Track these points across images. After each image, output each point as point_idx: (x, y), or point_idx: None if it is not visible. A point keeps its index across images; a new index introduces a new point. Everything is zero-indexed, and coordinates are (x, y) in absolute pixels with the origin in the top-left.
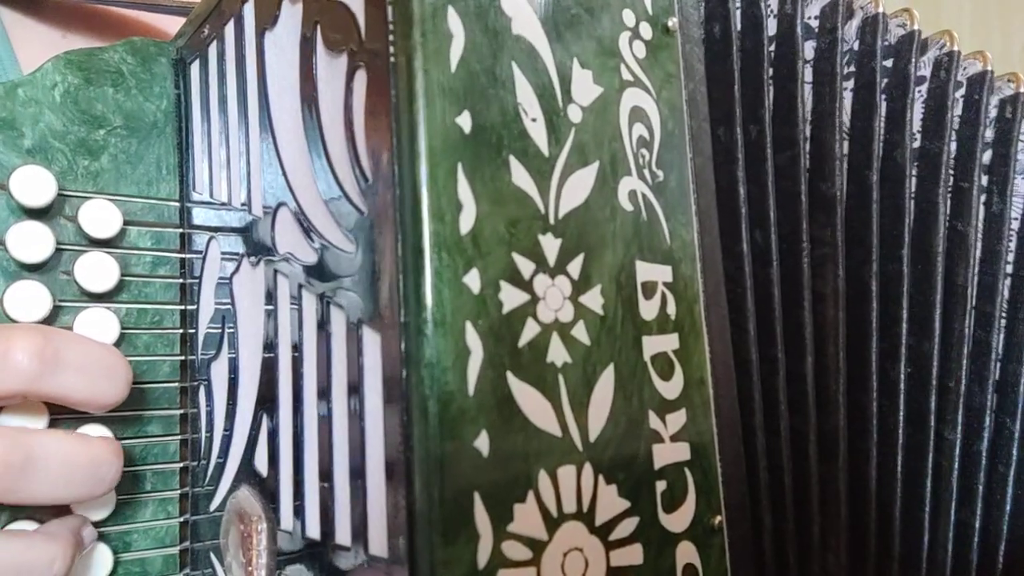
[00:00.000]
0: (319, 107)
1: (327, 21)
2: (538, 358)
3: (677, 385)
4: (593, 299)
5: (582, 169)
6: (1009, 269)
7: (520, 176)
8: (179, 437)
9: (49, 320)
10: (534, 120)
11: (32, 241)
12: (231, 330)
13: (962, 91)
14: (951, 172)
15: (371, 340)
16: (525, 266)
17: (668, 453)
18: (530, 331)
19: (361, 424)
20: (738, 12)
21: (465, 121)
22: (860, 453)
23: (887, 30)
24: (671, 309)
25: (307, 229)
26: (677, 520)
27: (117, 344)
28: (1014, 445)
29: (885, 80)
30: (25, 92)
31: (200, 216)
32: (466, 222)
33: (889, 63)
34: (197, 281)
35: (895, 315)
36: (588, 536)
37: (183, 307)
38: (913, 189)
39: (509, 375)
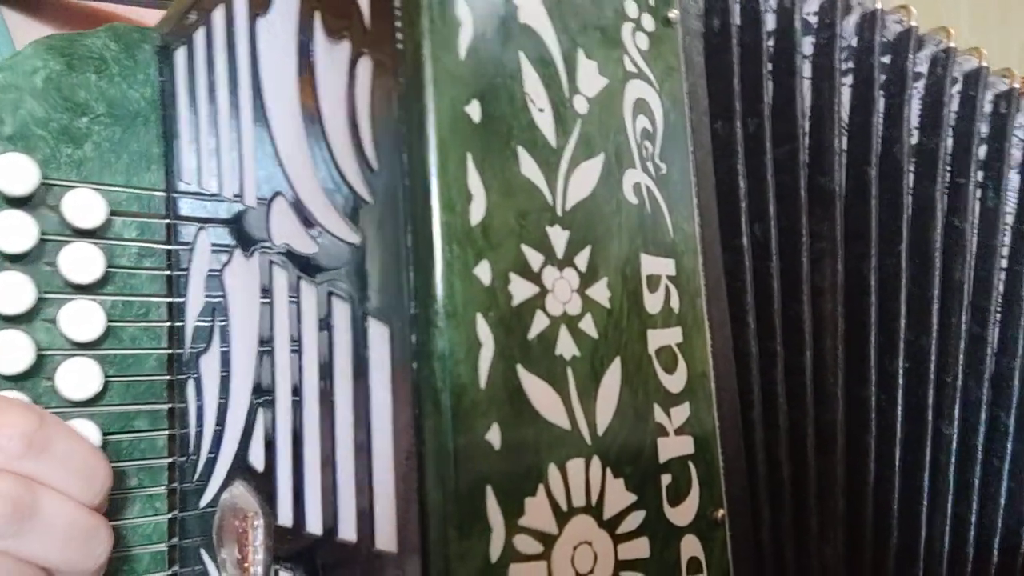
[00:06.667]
0: (318, 95)
1: (327, 7)
2: (547, 351)
3: (681, 379)
4: (600, 292)
5: (588, 161)
6: (1004, 264)
7: (529, 167)
8: (166, 432)
9: (33, 312)
10: (541, 110)
11: (15, 231)
12: (223, 323)
13: (958, 87)
14: (948, 168)
15: (378, 332)
16: (534, 258)
17: (672, 446)
18: (539, 324)
19: (367, 418)
20: (737, 6)
21: (474, 110)
22: (859, 447)
23: (885, 26)
24: (674, 303)
25: (306, 219)
26: (681, 514)
27: (103, 338)
28: (1008, 439)
29: (883, 76)
30: (5, 78)
31: (187, 207)
32: (476, 213)
33: (887, 59)
34: (184, 273)
35: (893, 310)
36: (597, 530)
37: (170, 300)
38: (911, 185)
39: (519, 368)
